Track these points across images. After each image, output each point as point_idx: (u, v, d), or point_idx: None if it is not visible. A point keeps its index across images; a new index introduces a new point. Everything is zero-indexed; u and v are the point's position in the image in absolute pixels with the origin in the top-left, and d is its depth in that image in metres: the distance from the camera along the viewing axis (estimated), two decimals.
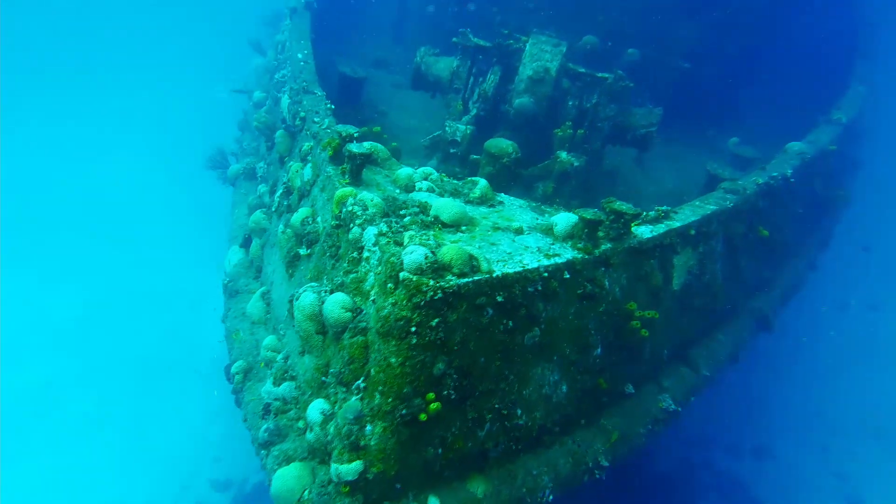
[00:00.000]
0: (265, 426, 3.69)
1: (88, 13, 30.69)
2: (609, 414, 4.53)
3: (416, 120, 9.82)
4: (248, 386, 4.25)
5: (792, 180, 6.32)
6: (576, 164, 7.16)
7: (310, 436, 3.49)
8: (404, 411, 3.25)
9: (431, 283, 3.21)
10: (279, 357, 4.14)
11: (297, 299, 3.81)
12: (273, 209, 5.43)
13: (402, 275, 3.24)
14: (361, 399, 3.34)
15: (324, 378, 3.62)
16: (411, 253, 3.26)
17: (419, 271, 3.24)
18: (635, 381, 4.77)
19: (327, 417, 3.44)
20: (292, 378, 3.94)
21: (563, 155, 7.25)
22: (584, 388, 4.24)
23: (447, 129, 7.66)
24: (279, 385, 3.91)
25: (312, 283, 3.93)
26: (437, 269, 3.29)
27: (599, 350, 4.27)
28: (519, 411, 3.86)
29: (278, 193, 5.20)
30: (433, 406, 3.29)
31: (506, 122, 7.84)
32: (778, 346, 13.42)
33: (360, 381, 3.37)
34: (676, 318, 5.06)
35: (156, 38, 30.30)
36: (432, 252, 3.33)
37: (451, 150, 7.66)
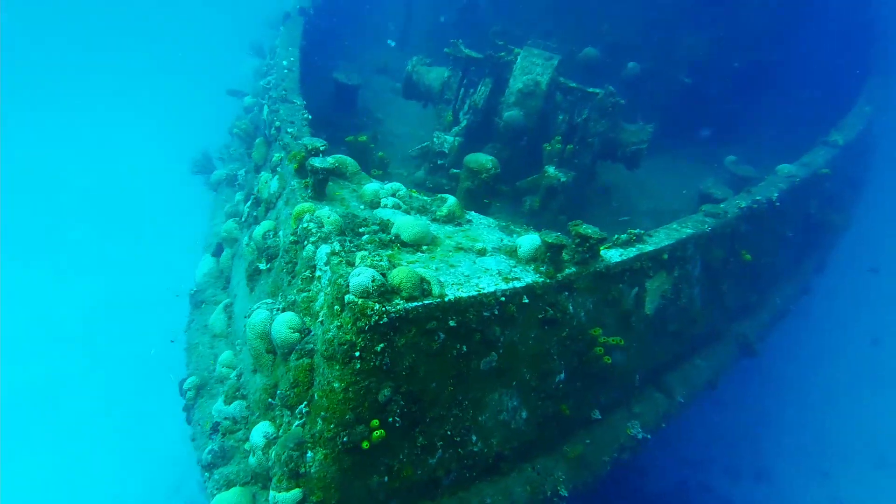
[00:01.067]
0: (209, 447, 3.60)
1: (99, 12, 30.97)
2: (573, 441, 4.41)
3: (412, 127, 9.74)
4: (200, 403, 4.17)
5: (777, 204, 6.17)
6: (563, 179, 7.05)
7: (252, 460, 3.39)
8: (346, 438, 3.15)
9: (377, 306, 3.11)
10: (233, 374, 4.05)
11: (248, 316, 3.73)
12: (243, 219, 5.36)
13: (347, 297, 3.15)
14: (304, 424, 3.24)
15: (270, 400, 3.53)
16: (358, 275, 3.17)
17: (365, 294, 3.14)
18: (604, 407, 4.64)
19: (270, 441, 3.34)
20: (243, 397, 3.85)
21: (551, 170, 7.15)
22: (545, 415, 4.12)
23: (435, 140, 7.60)
24: (230, 403, 3.83)
25: (267, 300, 3.85)
26: (385, 292, 3.18)
27: (563, 375, 4.15)
28: (474, 438, 3.75)
29: (248, 204, 5.13)
30: (376, 434, 3.18)
31: (496, 134, 7.75)
32: (782, 367, 13.19)
33: (303, 406, 3.27)
34: (650, 343, 4.93)
35: (169, 33, 30.47)
36: (381, 274, 3.23)
37: (439, 162, 7.59)
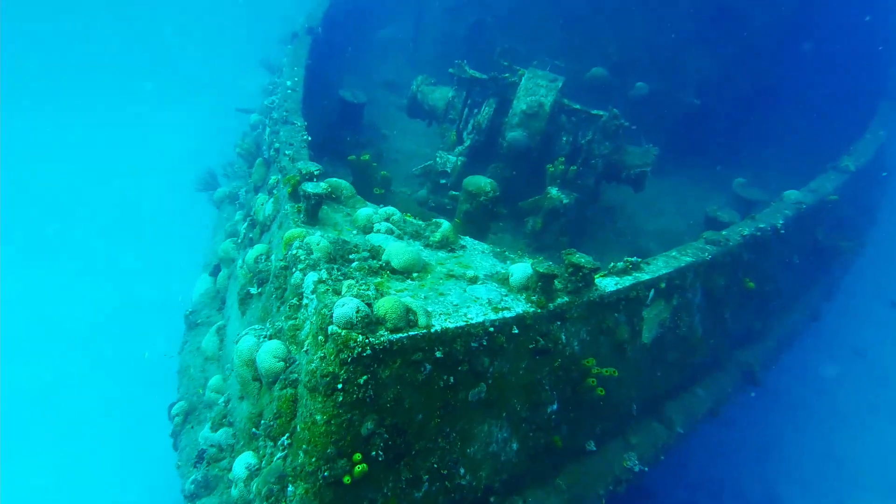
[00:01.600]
0: (193, 477, 3.56)
1: (118, 24, 31.46)
2: (567, 473, 4.32)
3: (418, 145, 9.75)
4: (188, 429, 4.13)
5: (782, 231, 6.06)
6: (565, 201, 7.00)
7: (234, 492, 3.34)
8: (327, 473, 3.10)
9: (360, 338, 3.07)
10: (221, 400, 4.01)
11: (237, 342, 3.70)
12: (239, 240, 5.36)
13: (330, 328, 3.10)
14: (285, 457, 3.19)
15: (255, 429, 3.48)
16: (342, 306, 3.13)
17: (349, 325, 3.10)
18: (600, 438, 4.55)
19: (252, 473, 3.29)
20: (230, 424, 3.81)
21: (553, 191, 7.11)
22: (537, 446, 4.04)
23: (438, 159, 7.60)
24: (216, 431, 3.79)
25: (255, 326, 3.82)
26: (369, 323, 3.14)
27: (555, 406, 4.08)
28: (462, 470, 3.67)
29: (244, 225, 5.13)
30: (358, 468, 3.12)
31: (499, 154, 7.73)
32: (797, 389, 12.90)
33: (285, 438, 3.22)
34: (648, 373, 4.84)
35: (188, 45, 30.88)
36: (367, 304, 3.19)
37: (441, 181, 7.57)
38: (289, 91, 6.72)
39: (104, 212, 21.18)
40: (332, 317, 3.12)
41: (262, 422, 3.44)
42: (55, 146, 24.06)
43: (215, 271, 5.74)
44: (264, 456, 3.36)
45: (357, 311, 3.10)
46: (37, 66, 28.10)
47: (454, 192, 6.66)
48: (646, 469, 4.67)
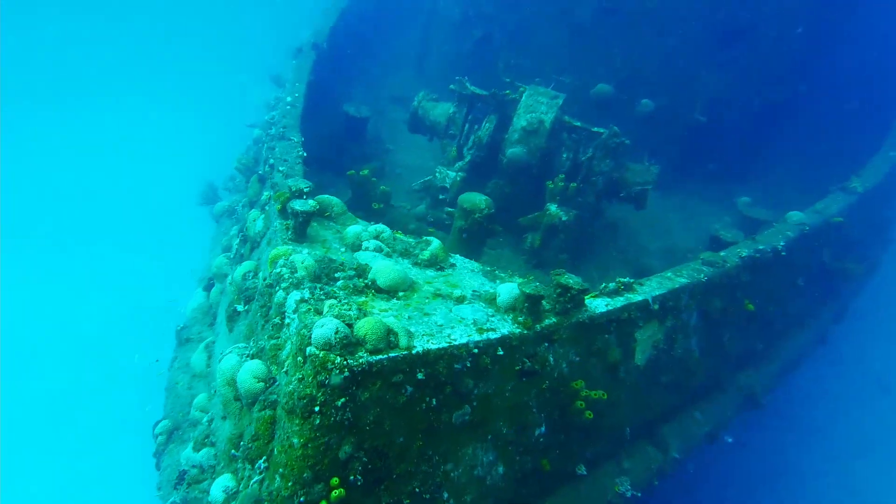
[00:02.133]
0: (172, 499, 3.51)
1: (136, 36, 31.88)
2: (556, 497, 4.23)
3: (422, 159, 9.75)
4: (171, 448, 4.09)
5: (783, 253, 5.94)
6: (564, 218, 6.95)
7: None
8: (303, 498, 3.04)
9: (338, 360, 3.02)
10: (205, 419, 3.97)
11: (220, 361, 3.66)
12: (232, 255, 5.34)
13: (308, 350, 3.06)
14: (262, 481, 3.14)
15: (234, 451, 3.43)
16: (321, 326, 3.08)
17: (327, 346, 3.05)
18: (591, 462, 4.46)
19: (230, 497, 3.24)
20: (212, 444, 3.76)
21: (553, 208, 7.07)
22: (524, 470, 3.96)
23: (437, 174, 7.59)
24: (199, 451, 3.74)
25: (240, 344, 3.78)
26: (348, 344, 3.09)
27: (543, 428, 4.00)
28: (445, 495, 3.60)
29: (237, 240, 5.12)
30: (335, 494, 3.06)
31: (499, 170, 7.70)
32: (817, 413, 12.60)
33: (262, 461, 3.17)
34: (642, 395, 4.74)
35: (199, 59, 31.20)
36: (348, 325, 3.14)
37: (440, 197, 7.56)
38: (288, 107, 6.73)
39: (114, 222, 21.35)
40: (310, 338, 3.08)
41: (242, 443, 3.39)
42: (64, 152, 24.32)
43: (209, 286, 5.73)
44: (242, 479, 3.31)
45: (336, 332, 3.06)
46: (47, 72, 28.52)
47: (450, 209, 6.63)
48: (638, 494, 4.56)
